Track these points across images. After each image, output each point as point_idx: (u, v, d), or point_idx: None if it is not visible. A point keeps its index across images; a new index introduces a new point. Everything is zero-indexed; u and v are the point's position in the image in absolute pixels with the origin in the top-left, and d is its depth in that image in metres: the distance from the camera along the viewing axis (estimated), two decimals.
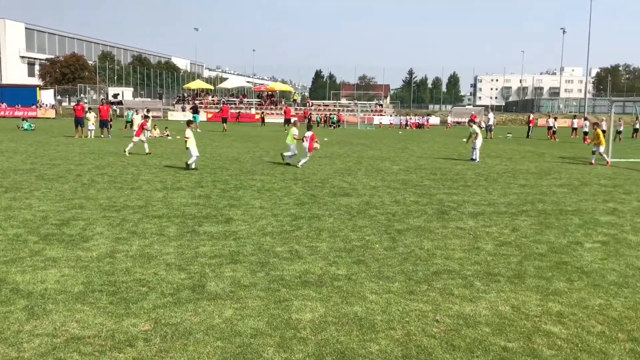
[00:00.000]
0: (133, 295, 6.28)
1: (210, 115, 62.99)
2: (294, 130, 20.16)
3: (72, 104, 71.70)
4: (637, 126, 42.53)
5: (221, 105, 55.58)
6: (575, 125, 44.47)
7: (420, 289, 6.71)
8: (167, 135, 33.84)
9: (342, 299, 6.29)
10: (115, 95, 73.73)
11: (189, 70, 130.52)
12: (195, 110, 44.60)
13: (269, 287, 6.63)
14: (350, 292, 6.54)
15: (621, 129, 40.09)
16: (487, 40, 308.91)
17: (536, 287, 6.87)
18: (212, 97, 76.30)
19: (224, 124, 43.53)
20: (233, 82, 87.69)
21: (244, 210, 11.24)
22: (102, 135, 31.68)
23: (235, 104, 70.54)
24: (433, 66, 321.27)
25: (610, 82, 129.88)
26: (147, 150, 22.36)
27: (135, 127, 32.47)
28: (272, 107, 71.14)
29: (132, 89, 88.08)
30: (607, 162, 22.13)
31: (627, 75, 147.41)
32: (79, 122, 31.37)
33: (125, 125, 40.19)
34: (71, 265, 7.30)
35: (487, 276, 7.25)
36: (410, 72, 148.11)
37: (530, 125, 43.83)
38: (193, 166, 17.57)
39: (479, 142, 22.24)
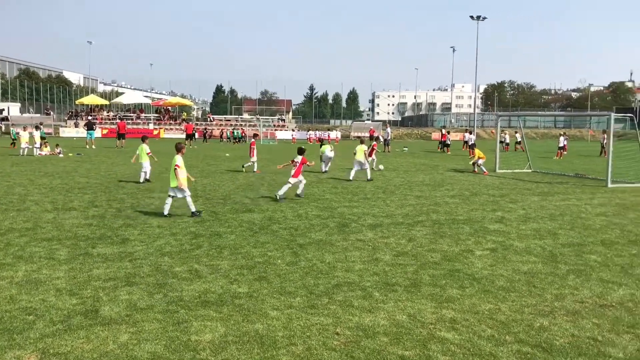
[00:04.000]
0: (18, 325, 5.88)
1: (105, 132, 60.53)
2: (364, 147, 20.87)
3: None
4: (519, 139, 45.00)
5: (117, 121, 53.53)
6: (467, 139, 46.64)
7: (321, 302, 6.78)
8: (59, 152, 32.16)
9: (243, 317, 6.22)
10: None
11: (82, 85, 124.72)
12: (90, 127, 42.59)
13: (167, 309, 6.44)
14: (252, 309, 6.49)
15: (507, 140, 44.42)
16: (383, 58, 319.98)
17: (431, 295, 7.15)
18: (108, 112, 73.39)
19: (120, 139, 41.96)
20: (130, 96, 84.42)
21: (140, 229, 10.87)
22: None
23: (132, 119, 68.25)
24: (333, 82, 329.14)
25: (497, 97, 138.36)
26: (255, 169, 23.14)
27: (23, 145, 30.74)
28: (170, 122, 69.52)
29: (19, 104, 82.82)
30: (485, 172, 24.34)
31: (511, 91, 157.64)
32: None
33: (11, 142, 37.59)
34: None
35: (385, 286, 7.45)
36: (312, 88, 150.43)
37: (443, 139, 44.54)
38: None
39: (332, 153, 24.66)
